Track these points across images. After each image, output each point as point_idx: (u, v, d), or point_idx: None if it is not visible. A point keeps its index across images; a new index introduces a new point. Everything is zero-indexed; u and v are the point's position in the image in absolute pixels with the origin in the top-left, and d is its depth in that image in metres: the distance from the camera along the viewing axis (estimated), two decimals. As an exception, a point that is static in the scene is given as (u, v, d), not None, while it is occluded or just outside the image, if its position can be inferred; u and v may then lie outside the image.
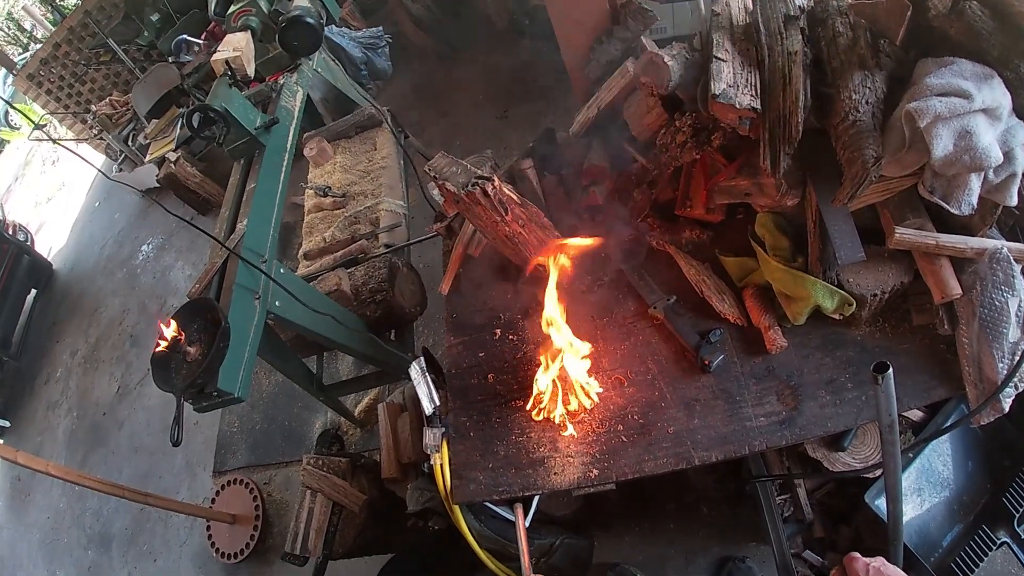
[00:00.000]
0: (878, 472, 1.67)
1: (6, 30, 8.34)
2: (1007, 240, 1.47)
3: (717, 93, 1.40)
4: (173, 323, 1.69)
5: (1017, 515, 1.63)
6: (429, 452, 1.67)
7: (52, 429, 4.63)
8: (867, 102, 1.36)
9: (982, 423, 1.46)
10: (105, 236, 5.88)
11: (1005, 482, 1.69)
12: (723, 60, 1.46)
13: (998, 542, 1.60)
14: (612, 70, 1.80)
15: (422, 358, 1.79)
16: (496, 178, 1.45)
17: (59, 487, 4.17)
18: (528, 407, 1.69)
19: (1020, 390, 1.43)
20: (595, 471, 1.58)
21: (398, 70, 5.01)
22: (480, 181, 1.44)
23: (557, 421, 1.64)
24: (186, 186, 4.85)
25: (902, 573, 1.10)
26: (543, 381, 1.61)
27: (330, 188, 2.86)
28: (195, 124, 2.20)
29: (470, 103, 4.53)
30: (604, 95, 1.78)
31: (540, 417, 1.66)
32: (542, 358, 1.63)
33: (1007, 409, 1.42)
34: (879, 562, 1.12)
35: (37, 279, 5.75)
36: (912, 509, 1.66)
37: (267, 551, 3.20)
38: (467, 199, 1.48)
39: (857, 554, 1.14)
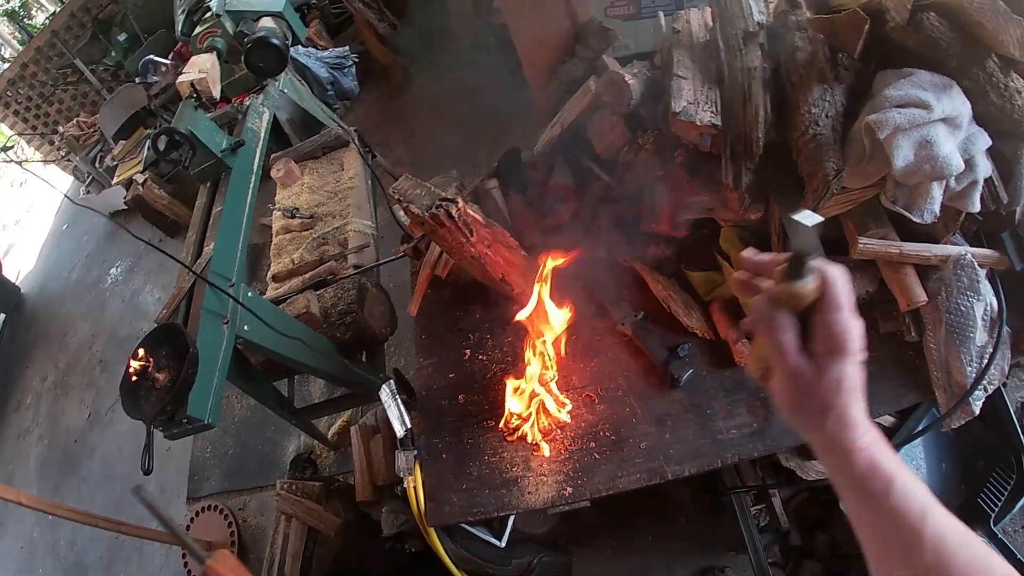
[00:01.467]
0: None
1: (-28, 51, 8.19)
2: (971, 246, 1.50)
3: (678, 111, 1.41)
4: (141, 351, 1.66)
5: (993, 515, 1.64)
6: (402, 475, 1.65)
7: (24, 457, 4.53)
8: (827, 115, 1.37)
9: (953, 426, 1.47)
10: (73, 259, 5.78)
11: (979, 483, 1.71)
12: (684, 78, 1.48)
13: (975, 541, 1.61)
14: (575, 89, 1.80)
15: (392, 380, 1.77)
16: (460, 200, 1.45)
17: (32, 516, 4.06)
18: (500, 426, 1.68)
19: (989, 392, 1.45)
20: (569, 489, 1.57)
21: (365, 89, 5.02)
22: (444, 203, 1.44)
23: (530, 440, 1.63)
24: (154, 208, 4.79)
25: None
26: (514, 403, 1.60)
27: (298, 209, 2.84)
28: (161, 147, 2.16)
29: (437, 121, 4.54)
30: (567, 114, 1.78)
31: (514, 438, 1.65)
32: (512, 382, 1.63)
33: (977, 411, 1.44)
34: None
35: (5, 303, 5.63)
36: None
37: (243, 577, 3.13)
38: (432, 221, 1.47)
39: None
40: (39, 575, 3.87)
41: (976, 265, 1.44)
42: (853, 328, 0.71)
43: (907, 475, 0.69)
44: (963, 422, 1.46)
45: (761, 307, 0.75)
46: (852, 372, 0.71)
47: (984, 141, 1.38)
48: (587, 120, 1.76)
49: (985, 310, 1.45)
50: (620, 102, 1.58)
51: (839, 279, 0.71)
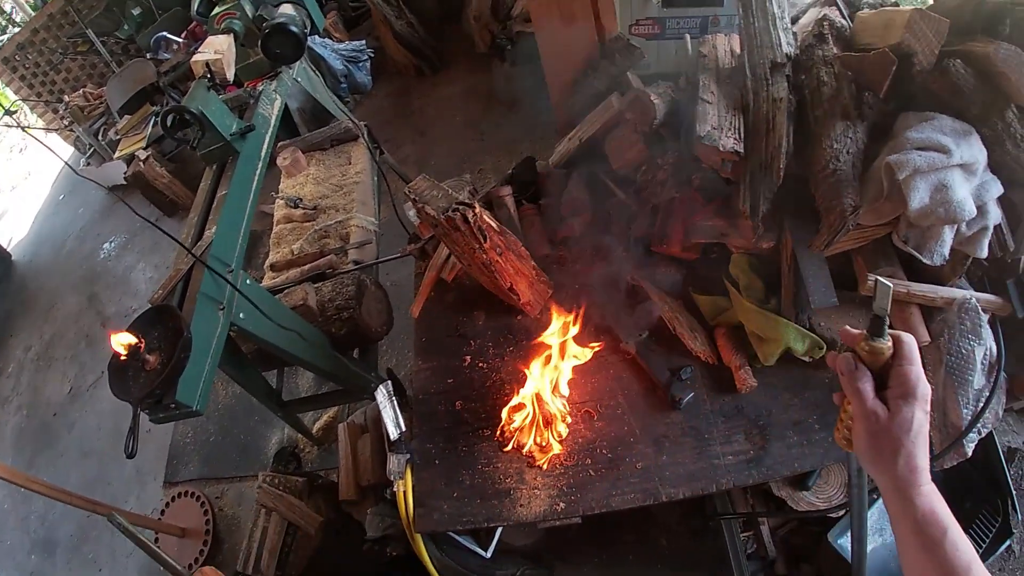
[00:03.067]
0: (841, 512, 1.68)
1: (-15, 11, 8.09)
2: (975, 290, 1.52)
3: (702, 135, 1.41)
4: (126, 333, 1.62)
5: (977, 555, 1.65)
6: (392, 478, 1.62)
7: (0, 426, 4.43)
8: (848, 152, 1.38)
9: (945, 467, 1.49)
10: (68, 230, 5.69)
11: (966, 523, 1.71)
12: (709, 102, 1.48)
13: (958, 582, 1.62)
14: (596, 103, 1.80)
15: (389, 382, 1.75)
16: (477, 205, 1.43)
17: (4, 487, 3.98)
18: (497, 436, 1.67)
19: (982, 435, 1.47)
20: (562, 504, 1.56)
21: (376, 85, 5.00)
22: (461, 207, 1.42)
23: (525, 452, 1.62)
24: (154, 186, 4.73)
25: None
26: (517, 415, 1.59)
27: (301, 200, 2.81)
28: (169, 125, 2.14)
29: (447, 123, 4.53)
30: (587, 128, 1.78)
31: (509, 448, 1.64)
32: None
33: (970, 454, 1.46)
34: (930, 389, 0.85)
35: (-7, 269, 5.53)
36: (873, 547, 1.68)
37: (216, 567, 3.07)
38: (446, 224, 1.46)
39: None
40: (6, 546, 3.79)
41: (980, 310, 1.46)
42: (923, 378, 0.83)
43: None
44: (955, 463, 1.48)
45: (846, 363, 0.86)
46: (921, 416, 0.82)
47: (997, 189, 1.40)
48: (606, 135, 1.76)
49: (985, 354, 1.47)
50: (644, 121, 1.58)
51: (910, 340, 0.84)
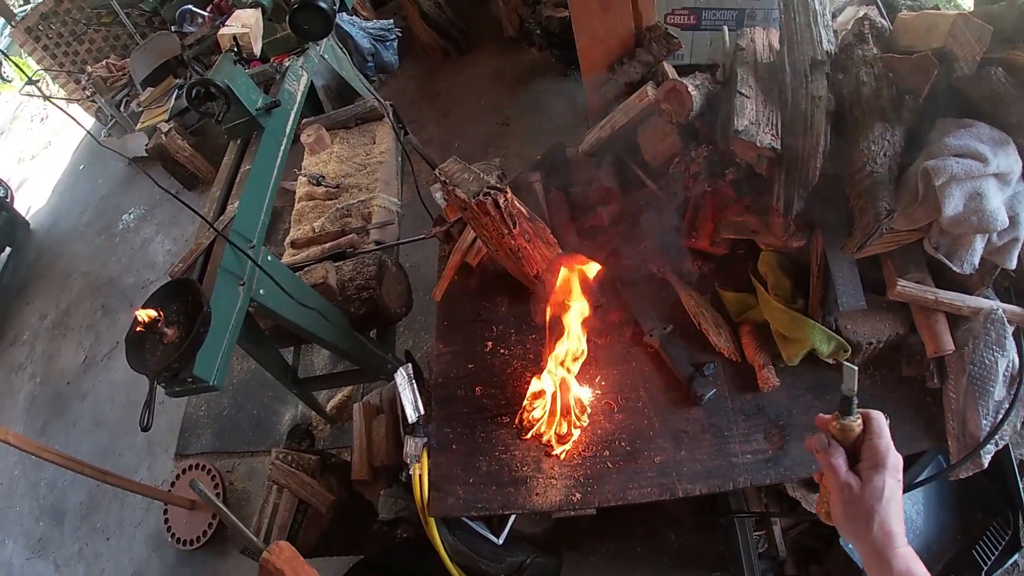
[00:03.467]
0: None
1: (9, -22, 8.11)
2: (1001, 301, 1.50)
3: (740, 129, 1.39)
4: (150, 309, 1.62)
5: (985, 568, 1.65)
6: (409, 461, 1.63)
7: (14, 393, 4.48)
8: (885, 154, 1.36)
9: (961, 476, 1.47)
10: (87, 200, 5.73)
11: (976, 535, 1.71)
12: (747, 96, 1.46)
13: (966, 593, 1.62)
14: (630, 92, 1.78)
15: (409, 365, 1.75)
16: (508, 190, 1.42)
17: (16, 453, 4.02)
18: (516, 423, 1.66)
19: (999, 447, 1.45)
20: (578, 495, 1.55)
21: (402, 66, 4.98)
22: (492, 192, 1.41)
23: (545, 440, 1.61)
24: (175, 159, 4.74)
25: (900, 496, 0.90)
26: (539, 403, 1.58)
27: (324, 177, 2.80)
28: (195, 97, 2.13)
29: (472, 106, 4.51)
30: (619, 117, 1.76)
31: (529, 436, 1.63)
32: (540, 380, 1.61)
33: (986, 465, 1.44)
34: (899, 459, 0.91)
35: (12, 237, 5.55)
36: (885, 556, 1.67)
37: (224, 541, 3.12)
38: (476, 208, 1.44)
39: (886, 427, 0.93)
40: (15, 512, 3.84)
41: (1006, 321, 1.45)
42: (892, 449, 0.90)
43: None
44: (971, 474, 1.47)
45: (820, 442, 0.93)
46: (892, 484, 0.87)
47: None
48: (639, 125, 1.74)
49: (1008, 366, 1.46)
50: (681, 112, 1.56)
51: (878, 416, 0.92)
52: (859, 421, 0.91)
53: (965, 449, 1.44)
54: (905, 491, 1.58)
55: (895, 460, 0.89)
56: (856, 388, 0.89)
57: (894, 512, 0.87)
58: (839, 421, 0.91)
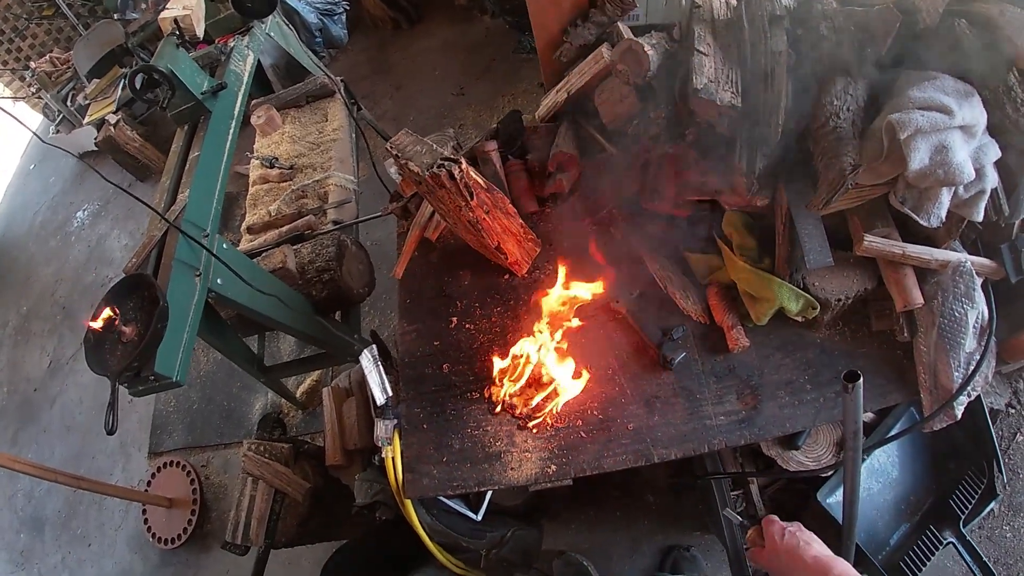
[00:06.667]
0: (830, 472, 1.69)
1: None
2: (969, 254, 1.50)
3: (699, 88, 1.36)
4: (106, 310, 1.56)
5: (962, 517, 1.67)
6: (380, 444, 1.59)
7: (-18, 404, 4.36)
8: (848, 109, 1.34)
9: (935, 428, 1.49)
10: (39, 201, 5.53)
11: (951, 484, 1.73)
12: (705, 54, 1.42)
13: (944, 542, 1.64)
14: (585, 54, 1.73)
15: (374, 346, 1.70)
16: (463, 161, 1.37)
17: (-12, 465, 3.94)
18: (486, 397, 1.64)
19: (972, 398, 1.46)
20: (553, 467, 1.54)
21: (352, 39, 4.86)
22: (446, 163, 1.36)
23: (518, 413, 1.59)
24: (125, 151, 4.58)
25: (816, 537, 1.20)
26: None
27: (277, 159, 2.72)
28: (138, 85, 2.05)
29: (426, 78, 4.42)
30: (575, 80, 1.71)
31: (499, 411, 1.61)
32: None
33: (959, 416, 1.46)
34: (795, 526, 1.21)
35: (-34, 244, 5.37)
36: (861, 507, 1.69)
37: (205, 536, 3.08)
38: (431, 181, 1.39)
39: (775, 517, 1.23)
40: (-6, 526, 3.76)
41: (974, 273, 1.45)
42: (779, 536, 1.20)
43: None
44: (944, 425, 1.48)
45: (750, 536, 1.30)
46: (778, 531, 1.21)
47: (995, 152, 1.38)
48: (595, 88, 1.69)
49: (977, 318, 1.46)
50: (637, 73, 1.51)
51: (765, 523, 1.26)
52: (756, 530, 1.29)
53: (938, 401, 1.45)
54: (880, 445, 1.62)
55: (773, 524, 1.23)
56: (739, 520, 1.42)
57: (815, 550, 1.15)
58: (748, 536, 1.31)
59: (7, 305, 4.85)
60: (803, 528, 1.20)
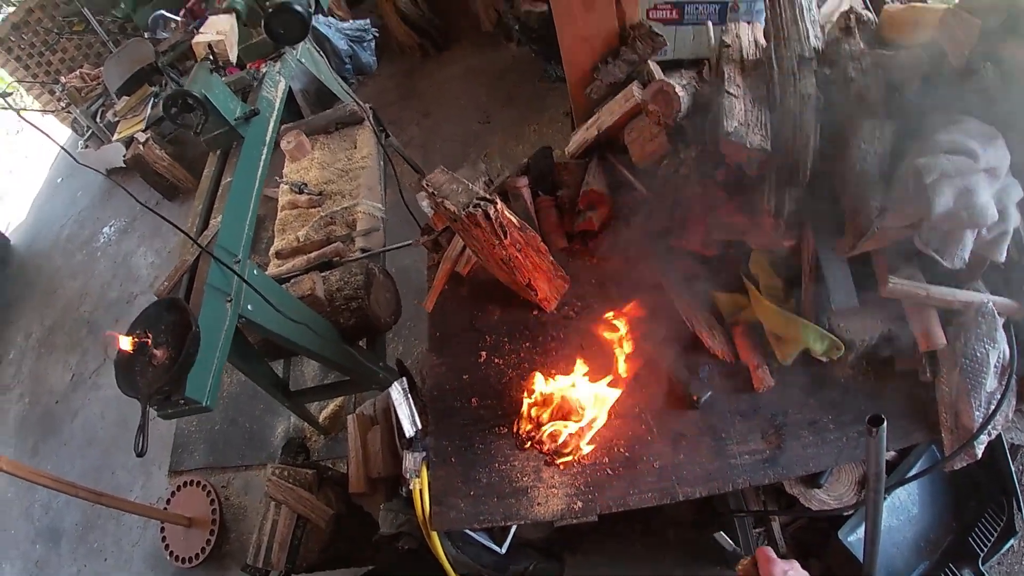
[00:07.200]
0: (851, 510, 1.69)
1: (-22, -10, 7.93)
2: (991, 293, 1.50)
3: (729, 131, 1.38)
4: (130, 337, 1.59)
5: (981, 555, 1.66)
6: (408, 476, 1.61)
7: (2, 413, 4.40)
8: (875, 152, 1.35)
9: (955, 468, 1.48)
10: (66, 214, 5.62)
11: (971, 522, 1.72)
12: (735, 96, 1.44)
13: (963, 581, 1.63)
14: (615, 92, 1.76)
15: (404, 378, 1.72)
16: (498, 201, 1.40)
17: (7, 476, 3.99)
18: (515, 429, 1.65)
19: (992, 436, 1.46)
20: (579, 503, 1.55)
21: (379, 66, 4.92)
22: (483, 203, 1.39)
23: (547, 450, 1.60)
24: (154, 169, 4.66)
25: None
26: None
27: (306, 185, 2.76)
28: (173, 110, 2.08)
29: (452, 105, 4.47)
30: (605, 117, 1.74)
31: (527, 447, 1.62)
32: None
33: (980, 455, 1.46)
34: (791, 566, 1.17)
35: (-8, 254, 5.47)
36: (881, 545, 1.68)
37: (223, 557, 3.09)
38: (467, 220, 1.42)
39: (771, 553, 1.18)
40: (10, 535, 3.79)
41: (996, 314, 1.45)
42: (780, 567, 1.13)
43: None
44: (965, 464, 1.48)
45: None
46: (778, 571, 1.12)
47: (1017, 193, 1.39)
48: (625, 126, 1.72)
49: (998, 358, 1.46)
50: (669, 114, 1.54)
51: (761, 555, 1.16)
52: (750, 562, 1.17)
53: (959, 441, 1.45)
54: (901, 484, 1.61)
55: (773, 564, 1.13)
56: (732, 545, 1.29)
57: None
58: (740, 567, 1.20)
59: (31, 316, 4.92)
60: (798, 567, 1.16)
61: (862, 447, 1.50)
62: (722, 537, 1.44)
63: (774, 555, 1.15)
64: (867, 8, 1.70)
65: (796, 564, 1.16)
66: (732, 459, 1.55)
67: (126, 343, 1.55)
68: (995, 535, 1.69)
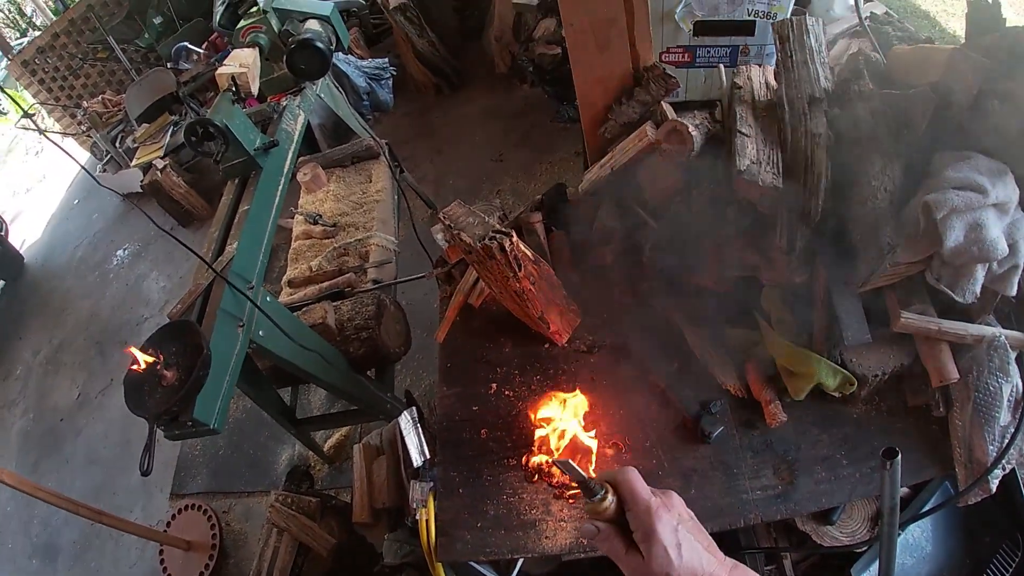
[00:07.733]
0: (864, 547, 1.66)
1: (6, 12, 8.20)
2: (1003, 327, 1.50)
3: (742, 169, 1.40)
4: (147, 352, 1.61)
5: (996, 593, 1.63)
6: (415, 507, 1.60)
7: (5, 428, 4.44)
8: (886, 189, 1.37)
9: (969, 503, 1.47)
10: (81, 235, 5.72)
11: (985, 558, 1.69)
12: (747, 135, 1.47)
13: (977, 618, 1.60)
14: (628, 131, 1.79)
15: (414, 408, 1.73)
16: (514, 234, 1.42)
17: (7, 489, 3.95)
18: (524, 465, 1.65)
19: (1006, 471, 1.45)
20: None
21: (396, 102, 5.04)
22: (498, 236, 1.41)
23: (555, 482, 1.59)
24: (170, 195, 4.75)
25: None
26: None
27: (321, 216, 2.81)
28: (193, 137, 2.13)
29: (466, 143, 4.57)
30: (619, 156, 1.76)
31: (536, 480, 1.61)
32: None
33: (994, 490, 1.44)
34: (668, 497, 0.94)
35: (6, 270, 5.55)
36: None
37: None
38: (482, 252, 1.44)
39: (635, 473, 0.94)
40: (7, 550, 3.77)
41: (1008, 347, 1.45)
42: (654, 500, 0.88)
43: None
44: (979, 499, 1.46)
45: (588, 532, 0.91)
46: (672, 538, 0.85)
47: None
48: (638, 164, 1.75)
49: (1012, 391, 1.45)
50: (681, 152, 1.57)
51: (625, 479, 0.90)
52: (608, 496, 0.89)
53: (972, 476, 1.43)
54: (914, 520, 1.59)
55: (663, 510, 0.88)
56: (582, 474, 0.89)
57: (694, 559, 0.85)
58: (589, 504, 0.90)
59: (41, 334, 4.97)
60: (675, 497, 0.96)
61: (875, 483, 1.48)
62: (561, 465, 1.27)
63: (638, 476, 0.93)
64: (875, 50, 1.73)
65: (673, 494, 0.96)
66: (744, 494, 1.53)
67: (140, 356, 1.56)
68: (1010, 571, 1.66)
